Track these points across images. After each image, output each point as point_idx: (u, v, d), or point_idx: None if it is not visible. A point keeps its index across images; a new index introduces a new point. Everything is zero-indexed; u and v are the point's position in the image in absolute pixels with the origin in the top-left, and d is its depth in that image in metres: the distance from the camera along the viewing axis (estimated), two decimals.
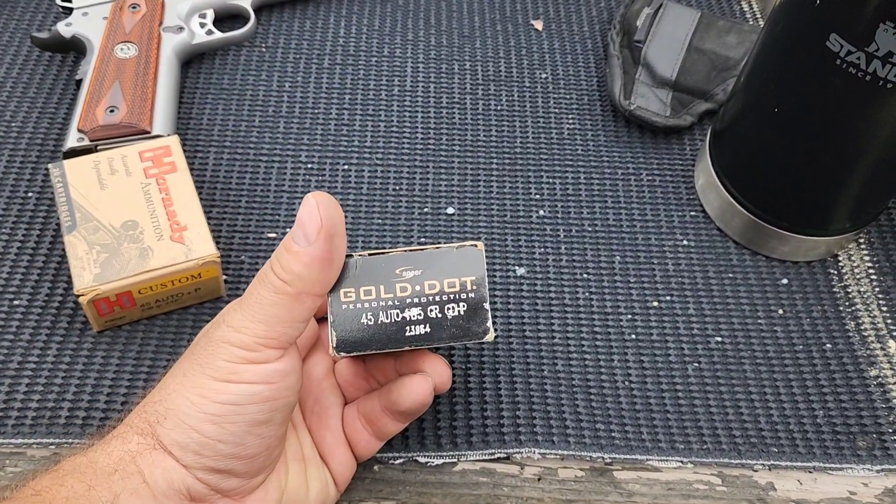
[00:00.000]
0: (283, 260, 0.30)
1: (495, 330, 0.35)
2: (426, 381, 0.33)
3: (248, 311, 0.30)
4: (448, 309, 0.33)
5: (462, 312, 0.33)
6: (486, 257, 0.46)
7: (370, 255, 0.33)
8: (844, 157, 0.40)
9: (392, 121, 0.51)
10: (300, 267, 0.30)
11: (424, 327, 0.33)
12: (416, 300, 0.33)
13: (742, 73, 0.44)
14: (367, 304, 0.33)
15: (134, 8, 0.50)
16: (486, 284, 0.33)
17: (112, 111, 0.45)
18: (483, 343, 0.36)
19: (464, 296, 0.33)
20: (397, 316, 0.33)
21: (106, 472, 0.29)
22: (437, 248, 0.33)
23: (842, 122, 0.38)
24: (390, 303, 0.33)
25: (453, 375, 0.41)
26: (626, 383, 0.42)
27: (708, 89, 0.52)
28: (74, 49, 0.50)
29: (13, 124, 0.49)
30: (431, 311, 0.33)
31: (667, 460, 0.40)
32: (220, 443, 0.30)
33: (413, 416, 0.35)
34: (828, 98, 0.37)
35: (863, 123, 0.38)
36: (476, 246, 0.33)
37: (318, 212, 0.30)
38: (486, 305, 0.33)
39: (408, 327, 0.33)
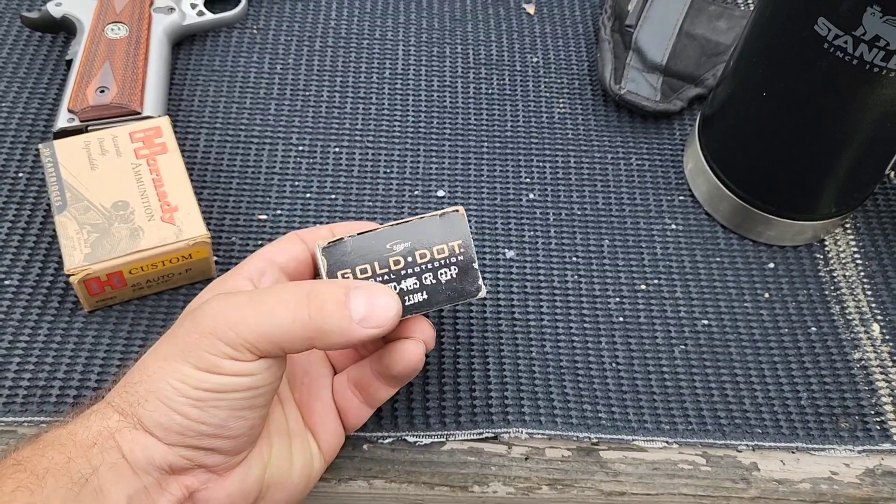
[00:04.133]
0: (328, 314, 0.30)
1: (486, 286, 0.37)
2: (418, 345, 0.34)
3: (253, 314, 0.30)
4: (441, 274, 0.34)
5: (454, 275, 0.35)
6: (476, 240, 0.46)
7: (360, 234, 0.33)
8: (832, 141, 0.40)
9: (383, 104, 0.52)
10: (340, 336, 0.30)
11: (422, 294, 0.34)
12: (410, 270, 0.34)
13: (731, 57, 0.44)
14: None
15: None
16: (473, 245, 0.35)
17: (102, 91, 0.45)
18: (477, 299, 0.37)
19: (454, 259, 0.35)
20: (395, 288, 0.34)
21: (85, 445, 0.29)
22: (422, 218, 0.34)
23: (829, 107, 0.38)
24: (386, 277, 0.34)
25: (442, 356, 0.42)
26: (613, 365, 0.42)
27: (698, 74, 0.52)
28: (64, 29, 0.50)
29: (3, 105, 0.49)
30: (426, 278, 0.34)
31: (652, 440, 0.40)
32: (203, 424, 0.30)
33: (405, 380, 0.36)
34: (815, 82, 0.38)
35: (850, 108, 0.38)
36: (458, 211, 0.35)
37: (390, 319, 0.31)
38: (475, 265, 0.35)
39: (406, 297, 0.34)
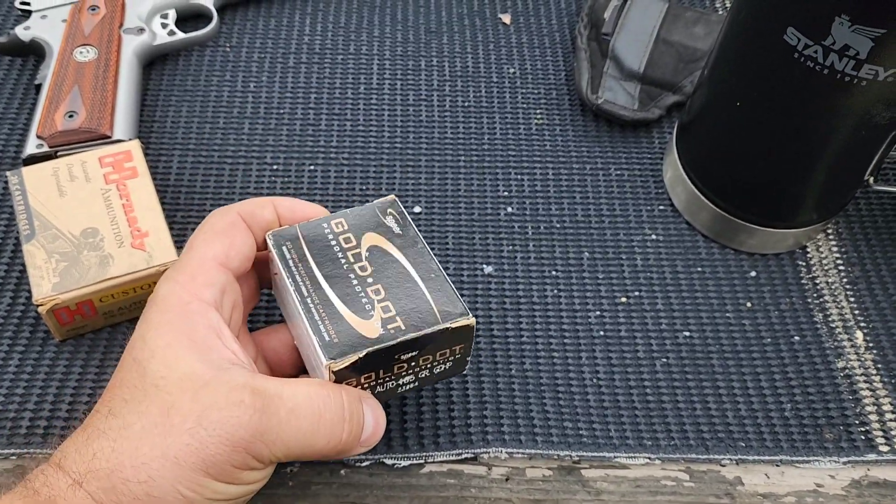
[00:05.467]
0: (354, 438, 0.32)
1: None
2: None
3: (293, 437, 0.29)
4: (436, 368, 0.35)
5: (447, 368, 0.35)
6: (454, 256, 0.46)
7: (368, 353, 0.32)
8: (808, 150, 0.40)
9: (358, 120, 0.51)
10: (347, 454, 0.33)
11: (414, 384, 0.35)
12: (411, 377, 0.35)
13: (706, 66, 0.44)
14: (367, 387, 0.34)
15: (93, 10, 0.49)
16: (472, 347, 0.35)
17: (71, 116, 0.44)
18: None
19: (452, 359, 0.35)
20: (392, 384, 0.35)
21: None
22: (436, 330, 0.33)
23: (803, 116, 0.38)
24: (389, 382, 0.34)
25: None
26: (594, 380, 0.42)
27: (676, 81, 0.52)
28: (34, 53, 0.50)
29: None
30: (421, 374, 0.35)
31: (634, 457, 0.40)
32: None
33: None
34: (788, 92, 0.37)
35: (824, 116, 0.37)
36: (469, 324, 0.33)
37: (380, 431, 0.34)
38: (468, 358, 0.36)
39: (399, 389, 0.35)
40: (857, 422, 0.41)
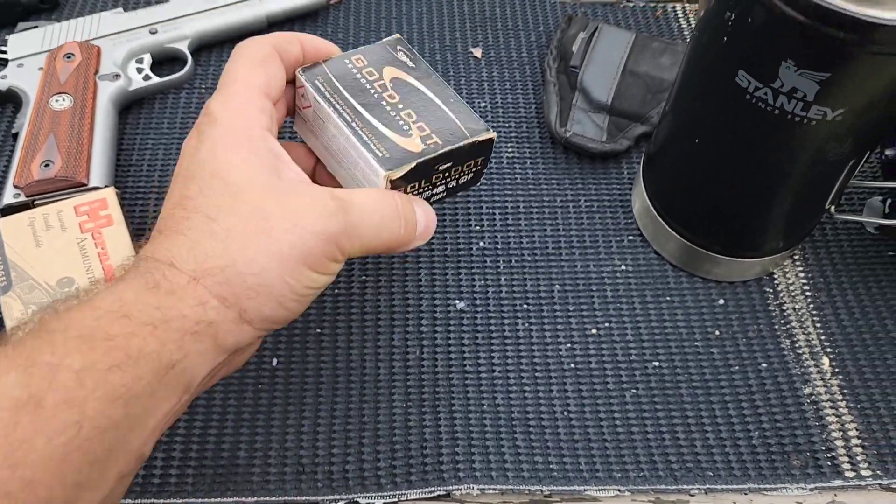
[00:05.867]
0: (409, 234, 0.37)
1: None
2: None
3: (368, 232, 0.35)
4: (462, 178, 0.40)
5: (469, 178, 0.41)
6: (425, 292, 0.47)
7: (417, 164, 0.36)
8: (766, 186, 0.41)
9: None
10: (406, 248, 0.38)
11: (443, 193, 0.40)
12: (442, 186, 0.40)
13: (667, 100, 0.45)
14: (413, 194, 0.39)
15: (69, 57, 0.50)
16: (489, 159, 0.42)
17: (47, 165, 0.45)
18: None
19: (474, 169, 0.40)
20: (428, 193, 0.39)
21: (180, 331, 0.30)
22: (467, 143, 0.38)
23: (759, 153, 0.39)
24: (426, 192, 0.39)
25: (393, 413, 0.42)
26: (565, 413, 0.43)
27: (643, 112, 0.53)
28: (11, 101, 0.51)
29: None
30: (450, 184, 0.40)
31: (605, 489, 0.40)
32: (295, 315, 0.34)
33: None
34: (742, 130, 0.38)
35: (778, 154, 0.38)
36: (491, 137, 0.38)
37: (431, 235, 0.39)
38: (485, 170, 0.41)
39: (434, 197, 0.40)
40: (823, 448, 0.42)
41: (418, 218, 0.37)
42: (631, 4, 0.63)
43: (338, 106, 0.38)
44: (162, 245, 0.32)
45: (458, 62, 0.57)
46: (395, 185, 0.36)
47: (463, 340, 0.45)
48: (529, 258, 0.48)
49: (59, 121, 0.47)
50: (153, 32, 0.54)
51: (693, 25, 0.61)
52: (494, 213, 0.50)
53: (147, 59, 0.53)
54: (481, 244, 0.49)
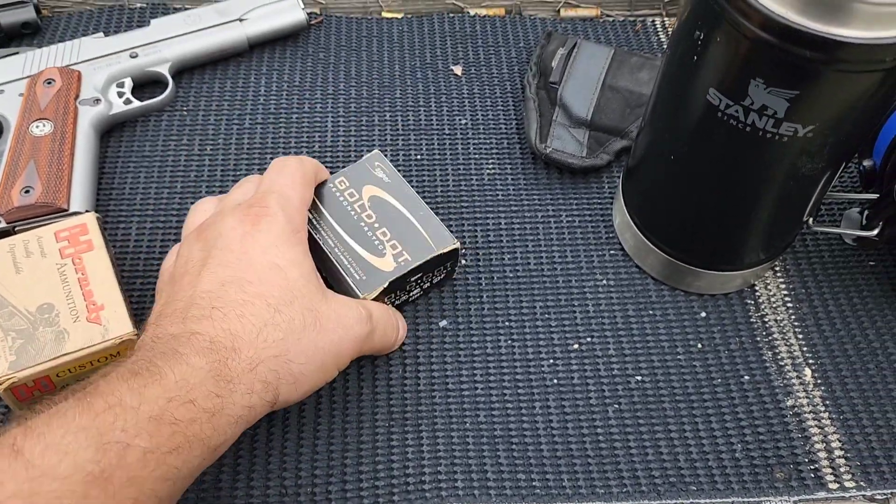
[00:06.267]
0: (397, 336, 0.44)
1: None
2: None
3: (379, 333, 0.41)
4: (434, 279, 0.46)
5: (442, 278, 0.47)
6: (408, 312, 0.47)
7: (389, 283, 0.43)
8: (742, 200, 0.41)
9: None
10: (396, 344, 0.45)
11: (419, 293, 0.47)
12: (417, 289, 0.46)
13: (643, 116, 0.45)
14: (389, 303, 0.45)
15: (49, 83, 0.50)
16: (458, 262, 0.47)
17: (27, 191, 0.45)
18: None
19: (444, 271, 0.46)
20: (405, 297, 0.46)
21: (231, 418, 0.34)
22: (433, 256, 0.44)
23: (732, 170, 0.39)
24: (403, 296, 0.46)
25: (376, 432, 0.42)
26: (548, 430, 0.43)
27: (623, 127, 0.53)
28: None
29: None
30: (424, 285, 0.46)
31: None
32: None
33: None
34: (715, 147, 0.38)
35: (753, 171, 0.39)
36: (455, 247, 0.45)
37: (404, 334, 0.45)
38: (456, 268, 0.47)
39: (410, 299, 0.47)
40: (806, 460, 0.42)
41: (400, 326, 0.44)
42: (610, 19, 0.63)
43: (324, 232, 0.44)
44: (222, 325, 0.35)
45: (438, 80, 0.58)
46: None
47: (445, 358, 0.45)
48: (511, 274, 0.49)
49: (40, 147, 0.47)
50: (133, 56, 0.54)
51: None
52: (476, 230, 0.50)
53: (128, 83, 0.53)
54: (463, 262, 0.49)
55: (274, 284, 0.37)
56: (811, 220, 0.44)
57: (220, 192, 0.51)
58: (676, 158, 0.41)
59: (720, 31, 0.34)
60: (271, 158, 0.53)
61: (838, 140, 0.37)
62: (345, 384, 0.44)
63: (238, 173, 0.52)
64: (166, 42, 0.55)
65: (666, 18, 0.63)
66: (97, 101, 0.51)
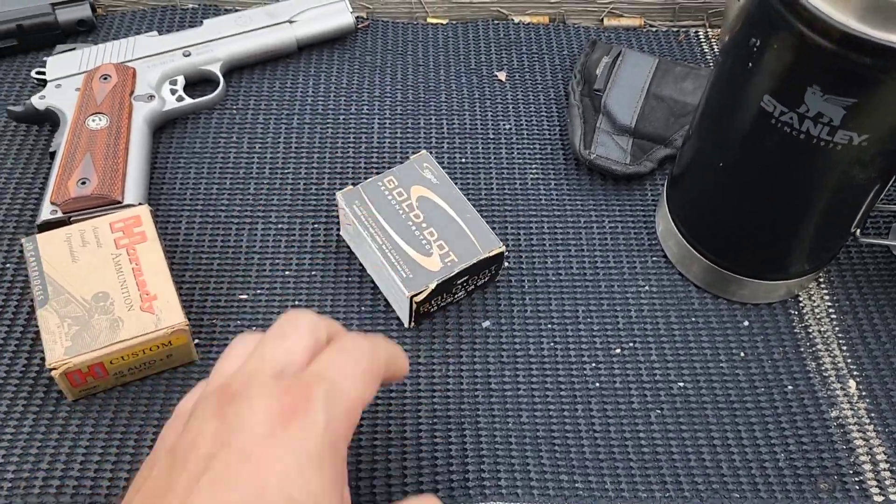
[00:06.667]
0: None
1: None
2: None
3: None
4: (479, 282, 0.47)
5: (486, 280, 0.47)
6: (453, 310, 0.47)
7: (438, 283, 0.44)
8: (792, 209, 0.41)
9: (360, 178, 0.53)
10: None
11: (464, 295, 0.47)
12: (462, 291, 0.47)
13: (690, 124, 0.45)
14: (436, 303, 0.46)
15: (105, 78, 0.52)
16: (502, 265, 0.48)
17: (84, 183, 0.46)
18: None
19: (489, 274, 0.47)
20: (450, 298, 0.46)
21: None
22: (480, 259, 0.45)
23: (784, 178, 0.39)
24: (448, 297, 0.46)
25: (419, 430, 0.42)
26: (590, 433, 0.43)
27: (667, 135, 0.53)
28: (49, 121, 0.52)
29: None
30: (469, 287, 0.47)
31: None
32: None
33: None
34: (767, 155, 0.38)
35: (804, 178, 0.39)
36: (501, 251, 0.45)
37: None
38: (500, 271, 0.48)
39: (455, 299, 0.47)
40: (851, 471, 0.42)
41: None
42: (654, 29, 0.64)
43: (371, 229, 0.45)
44: None
45: (483, 85, 0.58)
46: (419, 301, 0.43)
47: (488, 358, 0.45)
48: (553, 277, 0.49)
49: (96, 140, 0.49)
50: (186, 55, 0.55)
51: (715, 50, 0.62)
52: (519, 234, 0.51)
53: (181, 80, 0.54)
54: (506, 264, 0.49)
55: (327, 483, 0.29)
56: (858, 231, 0.44)
57: (267, 189, 0.52)
58: (725, 166, 0.41)
59: (777, 37, 0.34)
60: (318, 157, 0.54)
61: (892, 150, 0.37)
62: None
63: (286, 171, 0.53)
64: (218, 42, 0.56)
65: (710, 29, 0.63)
66: (151, 97, 0.52)
